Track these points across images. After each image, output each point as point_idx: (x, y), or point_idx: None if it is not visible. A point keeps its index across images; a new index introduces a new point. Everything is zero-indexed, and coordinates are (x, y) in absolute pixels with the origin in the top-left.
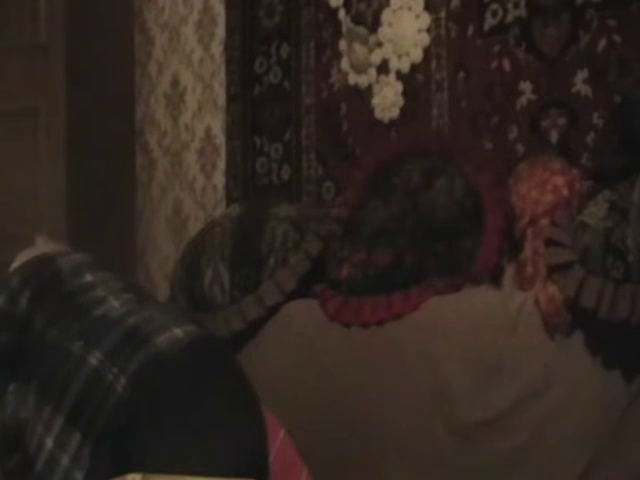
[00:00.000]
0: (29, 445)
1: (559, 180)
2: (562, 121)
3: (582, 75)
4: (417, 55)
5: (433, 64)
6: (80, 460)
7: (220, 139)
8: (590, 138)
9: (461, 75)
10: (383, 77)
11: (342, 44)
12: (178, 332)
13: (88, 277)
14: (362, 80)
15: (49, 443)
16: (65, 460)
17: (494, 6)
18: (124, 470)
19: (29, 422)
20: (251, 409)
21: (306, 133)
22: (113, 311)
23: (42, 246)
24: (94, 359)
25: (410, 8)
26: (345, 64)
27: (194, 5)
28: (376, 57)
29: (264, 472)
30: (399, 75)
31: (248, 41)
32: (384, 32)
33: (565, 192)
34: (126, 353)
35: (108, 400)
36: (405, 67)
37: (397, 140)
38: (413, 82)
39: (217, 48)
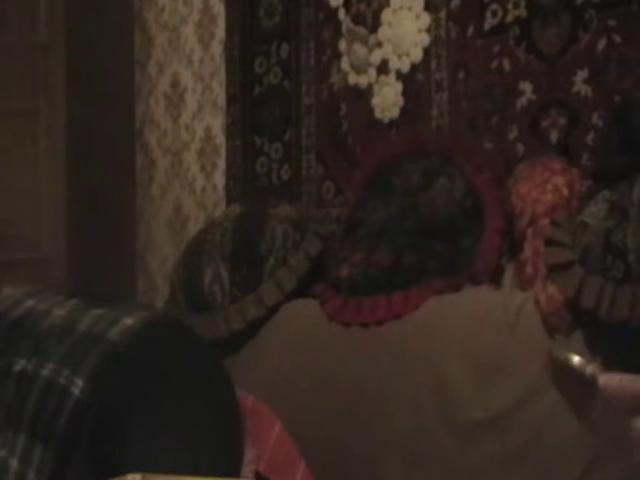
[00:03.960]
0: None
1: (559, 180)
2: (562, 121)
3: (582, 75)
4: (417, 55)
5: (433, 64)
6: (44, 472)
7: (220, 139)
8: (590, 138)
9: (461, 75)
10: (383, 77)
11: (342, 44)
12: (128, 321)
13: (29, 303)
14: (362, 80)
15: (14, 464)
16: (31, 476)
17: (494, 6)
18: (105, 472)
19: None
20: (218, 383)
21: (306, 133)
22: (59, 320)
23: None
24: (46, 370)
25: (410, 8)
26: (345, 64)
27: (194, 5)
28: (376, 57)
29: (239, 449)
30: (399, 75)
31: (248, 41)
32: (384, 32)
33: (565, 192)
34: (78, 355)
35: (64, 405)
36: (405, 67)
37: (397, 140)
38: (413, 82)
39: (217, 48)
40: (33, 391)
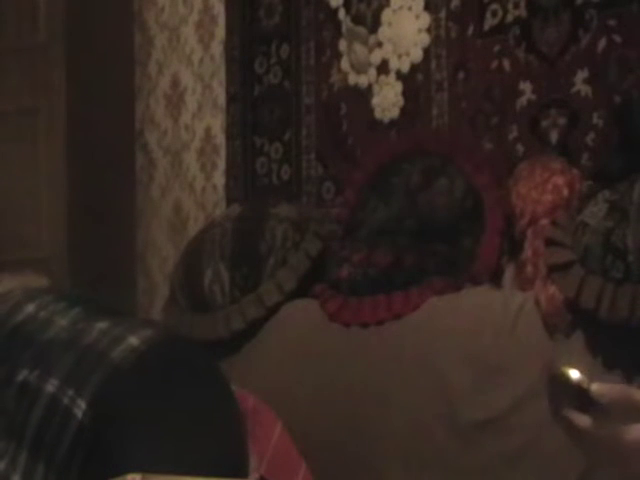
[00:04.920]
0: None
1: (559, 180)
2: (562, 121)
3: (582, 75)
4: (417, 55)
5: (433, 64)
6: None
7: (220, 139)
8: (590, 138)
9: (461, 75)
10: (383, 77)
11: (342, 44)
12: (133, 340)
13: (29, 308)
14: (362, 80)
15: None
16: None
17: (494, 6)
18: None
19: None
20: (222, 403)
21: (306, 133)
22: (62, 332)
23: (2, 286)
24: (51, 386)
25: (410, 8)
26: (345, 64)
27: (194, 5)
28: (376, 57)
29: (242, 467)
30: (399, 75)
31: (248, 41)
32: (384, 32)
33: (565, 192)
34: (82, 374)
35: (67, 426)
36: (405, 67)
37: (397, 140)
38: (413, 82)
39: (217, 48)
40: (36, 406)
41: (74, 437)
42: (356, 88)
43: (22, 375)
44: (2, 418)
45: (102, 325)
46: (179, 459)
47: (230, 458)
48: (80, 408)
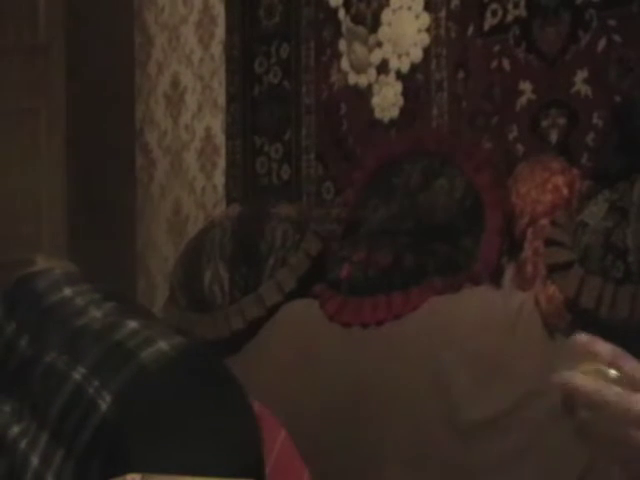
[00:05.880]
0: (14, 462)
1: (559, 180)
2: (562, 121)
3: (582, 75)
4: (417, 55)
5: (433, 64)
6: (62, 477)
7: (220, 139)
8: (590, 138)
9: (461, 75)
10: (383, 77)
11: (342, 44)
12: (164, 345)
13: (66, 291)
14: (362, 80)
15: (34, 461)
16: (49, 478)
17: (494, 6)
18: None
19: (15, 439)
20: (242, 418)
21: (306, 133)
22: (95, 322)
23: (40, 266)
24: (78, 374)
25: (410, 8)
26: (345, 64)
27: (194, 5)
28: (376, 57)
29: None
30: (399, 75)
31: (248, 41)
32: (384, 32)
33: (565, 192)
34: (110, 368)
35: (90, 416)
36: (405, 67)
37: (397, 140)
38: (413, 82)
39: (217, 48)
40: (61, 391)
41: (96, 428)
42: (356, 88)
43: (50, 357)
44: (26, 398)
45: (134, 324)
46: (196, 467)
47: (250, 470)
48: (105, 401)
